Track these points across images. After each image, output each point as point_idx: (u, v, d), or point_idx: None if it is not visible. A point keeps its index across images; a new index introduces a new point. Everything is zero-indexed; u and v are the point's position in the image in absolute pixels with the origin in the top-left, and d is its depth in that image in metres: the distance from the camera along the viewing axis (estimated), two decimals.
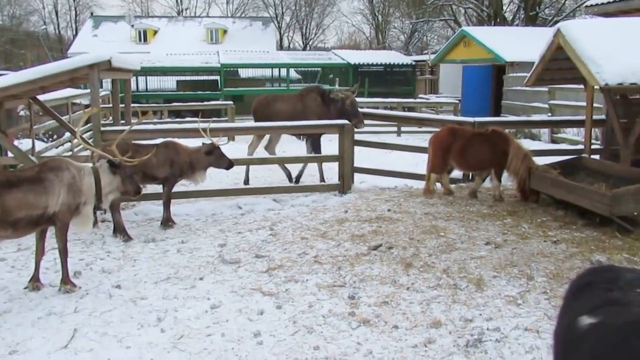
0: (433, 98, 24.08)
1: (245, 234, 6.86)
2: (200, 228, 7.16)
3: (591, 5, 9.94)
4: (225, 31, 40.78)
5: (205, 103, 19.72)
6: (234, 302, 4.86)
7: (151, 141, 7.74)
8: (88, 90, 8.50)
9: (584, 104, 9.16)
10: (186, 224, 7.34)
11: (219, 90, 26.56)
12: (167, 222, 7.22)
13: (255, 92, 27.31)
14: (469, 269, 5.49)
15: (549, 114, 15.47)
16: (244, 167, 10.04)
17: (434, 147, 8.48)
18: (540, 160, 8.27)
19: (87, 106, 12.75)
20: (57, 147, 11.67)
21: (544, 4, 36.52)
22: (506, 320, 4.43)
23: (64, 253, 5.21)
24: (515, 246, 6.17)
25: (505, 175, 8.31)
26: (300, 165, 10.26)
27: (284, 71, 29.15)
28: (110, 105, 11.61)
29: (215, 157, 7.31)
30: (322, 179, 9.97)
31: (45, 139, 12.57)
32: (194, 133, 7.92)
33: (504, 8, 37.90)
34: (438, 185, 8.83)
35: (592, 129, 9.27)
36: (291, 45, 59.17)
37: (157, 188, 7.60)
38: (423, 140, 14.40)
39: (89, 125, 9.68)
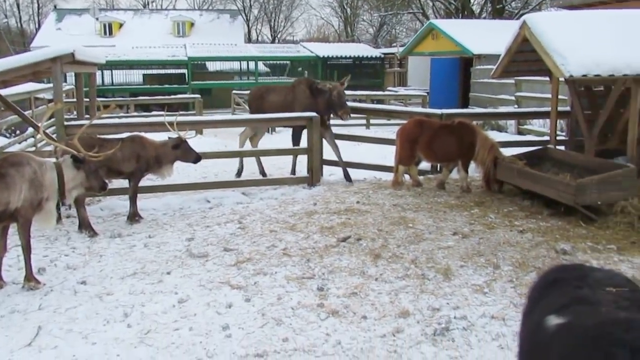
0: (402, 90, 24.22)
1: (214, 227, 6.80)
2: (167, 222, 7.07)
3: None
4: (192, 24, 40.26)
5: (173, 97, 19.46)
6: (202, 296, 4.81)
7: (117, 135, 7.59)
8: (51, 85, 8.27)
9: (550, 96, 9.31)
10: (153, 219, 7.24)
11: (186, 84, 26.29)
12: (133, 217, 7.11)
13: (224, 86, 27.20)
14: (437, 259, 5.54)
15: (516, 106, 15.70)
16: (216, 160, 9.93)
17: (402, 139, 8.53)
18: (507, 152, 8.39)
19: (50, 101, 12.46)
20: (20, 143, 11.39)
21: None
22: (473, 308, 4.48)
23: (27, 250, 5.08)
24: (482, 236, 6.24)
25: (472, 166, 8.40)
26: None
27: (252, 64, 28.98)
28: (75, 99, 11.36)
29: (182, 151, 7.21)
30: (293, 171, 9.94)
31: (7, 135, 12.26)
32: (160, 127, 7.80)
33: (471, 1, 38.27)
34: (407, 177, 8.88)
35: (558, 121, 9.43)
36: (260, 39, 58.79)
37: (123, 183, 7.48)
38: (392, 133, 14.46)
39: (52, 120, 9.44)
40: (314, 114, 9.01)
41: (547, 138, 9.93)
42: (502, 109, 14.59)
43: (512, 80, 16.17)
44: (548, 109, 9.28)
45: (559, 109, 8.96)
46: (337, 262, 5.53)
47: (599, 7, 8.94)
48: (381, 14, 46.76)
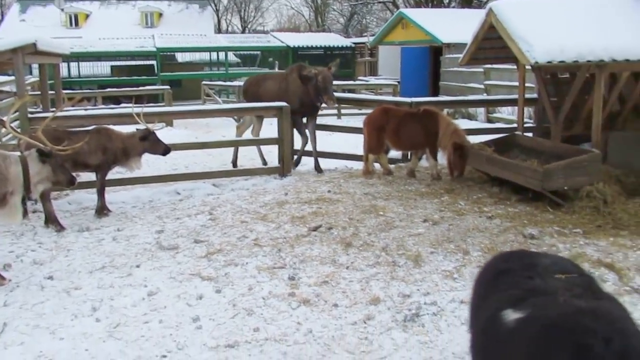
0: (372, 80, 24.26)
1: (184, 219, 6.74)
2: (136, 215, 6.98)
3: None
4: (160, 14, 39.63)
5: (141, 88, 19.15)
6: (172, 288, 4.77)
7: (83, 128, 7.44)
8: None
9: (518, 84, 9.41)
10: (122, 212, 7.13)
11: (155, 75, 25.89)
12: (101, 210, 6.99)
13: (194, 77, 26.89)
14: (407, 246, 5.59)
15: (485, 94, 15.87)
16: (186, 152, 9.80)
17: (369, 127, 8.56)
18: (476, 139, 8.46)
19: (16, 93, 12.14)
20: None
21: None
22: (443, 294, 4.54)
23: None
24: (452, 222, 6.31)
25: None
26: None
27: (222, 55, 28.67)
28: (40, 92, 11.11)
29: (150, 143, 7.10)
30: (263, 161, 9.88)
31: None
32: (128, 118, 7.67)
33: None
34: (378, 165, 8.92)
35: (526, 108, 9.55)
36: (230, 29, 58.18)
37: (91, 176, 7.35)
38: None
39: (17, 113, 9.22)
40: (284, 104, 8.96)
41: (515, 125, 10.05)
42: (471, 97, 14.73)
43: (481, 69, 16.34)
44: (516, 96, 9.39)
45: (526, 96, 9.07)
46: (309, 251, 5.53)
47: None
48: (351, 3, 46.70)
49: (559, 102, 8.09)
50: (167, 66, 27.48)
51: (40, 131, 5.55)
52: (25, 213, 5.87)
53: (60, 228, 6.41)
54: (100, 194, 7.01)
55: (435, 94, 20.90)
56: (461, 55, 8.72)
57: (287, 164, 8.98)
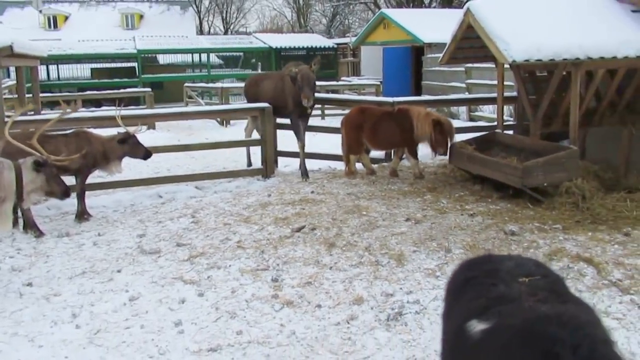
0: (355, 80, 24.32)
1: (166, 223, 6.69)
2: (118, 219, 6.92)
3: None
4: (141, 16, 39.33)
5: (122, 91, 19.01)
6: (154, 293, 4.73)
7: (61, 131, 7.35)
8: None
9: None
10: (103, 216, 7.07)
11: (136, 78, 25.71)
12: (82, 215, 6.92)
13: (175, 79, 26.74)
14: (390, 245, 5.60)
15: (466, 93, 15.97)
16: (168, 154, 9.70)
17: (346, 127, 8.60)
18: (458, 137, 8.50)
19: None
20: None
21: None
22: (425, 292, 4.56)
23: None
24: (434, 221, 6.34)
25: (424, 151, 8.52)
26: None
27: (204, 56, 28.56)
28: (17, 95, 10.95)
29: (130, 146, 7.03)
30: (249, 163, 9.82)
31: None
32: (108, 121, 7.61)
33: None
34: (360, 165, 8.94)
35: (507, 106, 9.60)
36: (212, 30, 57.87)
37: (71, 180, 7.26)
38: None
39: None
40: (266, 105, 8.93)
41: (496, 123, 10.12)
42: (453, 96, 14.82)
43: (462, 68, 16.45)
44: (496, 95, 9.45)
45: (506, 94, 9.14)
46: (292, 252, 5.53)
47: None
48: (333, 4, 46.77)
49: (538, 100, 8.16)
50: (149, 68, 27.30)
51: (34, 139, 5.47)
52: (15, 221, 5.77)
53: (39, 233, 6.33)
54: (81, 198, 6.94)
55: (418, 93, 21.01)
56: (443, 54, 8.76)
57: (270, 165, 8.96)
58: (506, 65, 7.62)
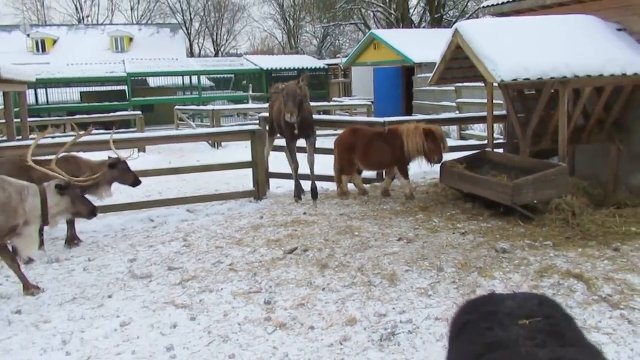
0: (346, 100, 24.47)
1: (158, 246, 6.66)
2: (108, 244, 6.88)
3: (488, 6, 10.39)
4: (131, 39, 39.48)
5: (112, 114, 19.02)
6: (145, 318, 4.69)
7: (50, 156, 7.32)
8: None
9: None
10: (93, 241, 7.03)
11: (126, 101, 25.75)
12: (72, 240, 6.88)
13: (166, 102, 26.80)
14: (383, 265, 5.60)
15: (457, 112, 16.10)
16: (159, 177, 9.67)
17: (339, 148, 8.64)
18: (449, 156, 8.55)
19: None
20: None
21: (448, 6, 38.01)
22: (418, 311, 4.55)
23: (12, 267, 5.24)
24: (426, 240, 6.36)
25: (415, 172, 8.55)
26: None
27: (195, 79, 28.68)
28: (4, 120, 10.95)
29: (119, 172, 6.97)
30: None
31: None
32: (97, 145, 7.60)
33: (411, 11, 39.11)
34: (352, 186, 8.96)
35: (497, 124, 9.66)
36: (202, 52, 58.25)
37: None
38: None
39: None
40: (256, 127, 8.96)
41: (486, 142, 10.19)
42: (444, 115, 14.94)
43: (452, 87, 16.60)
44: (485, 113, 9.54)
45: (496, 113, 9.23)
46: (284, 274, 5.51)
47: (527, 13, 9.26)
48: (324, 25, 47.19)
49: (527, 118, 8.25)
50: (139, 91, 27.38)
51: (53, 163, 5.51)
52: (41, 243, 5.77)
53: (28, 260, 6.27)
54: (70, 223, 6.90)
55: (409, 112, 21.15)
56: (432, 74, 8.84)
57: (262, 187, 8.97)
58: (495, 84, 7.71)
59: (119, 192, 8.03)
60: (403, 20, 36.39)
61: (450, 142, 13.53)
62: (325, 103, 23.77)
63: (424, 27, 37.09)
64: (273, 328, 4.40)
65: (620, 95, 7.79)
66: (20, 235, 5.05)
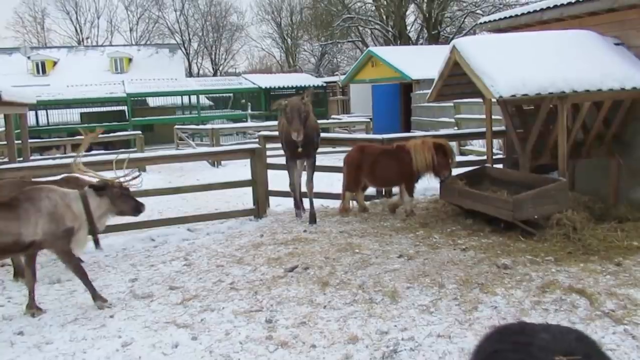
0: (345, 118, 24.58)
1: (159, 266, 6.65)
2: (109, 264, 6.87)
3: (485, 22, 10.48)
4: (130, 60, 39.76)
5: (112, 134, 19.09)
6: (147, 338, 4.67)
7: (52, 178, 7.35)
8: None
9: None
10: (95, 261, 7.01)
11: (126, 121, 25.85)
12: None
13: (165, 121, 26.88)
14: (384, 282, 5.59)
15: (456, 128, 16.15)
16: (160, 197, 9.65)
17: (347, 166, 8.68)
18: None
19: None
20: None
21: (445, 23, 38.37)
22: (420, 329, 4.53)
23: (80, 277, 5.40)
24: (427, 256, 6.35)
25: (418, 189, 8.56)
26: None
27: (194, 98, 28.83)
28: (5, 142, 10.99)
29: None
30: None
31: None
32: (99, 166, 7.60)
33: (408, 28, 39.49)
34: (354, 203, 8.97)
35: (497, 140, 9.68)
36: (201, 72, 58.62)
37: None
38: (338, 160, 14.62)
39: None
40: (256, 145, 9.00)
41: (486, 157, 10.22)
42: (443, 132, 15.00)
43: (451, 104, 16.67)
44: (485, 129, 9.59)
45: (495, 128, 9.27)
46: (285, 292, 5.49)
47: (524, 29, 9.34)
48: (322, 43, 47.58)
49: (526, 133, 8.28)
50: (139, 111, 27.48)
51: (78, 165, 5.80)
52: (97, 243, 5.88)
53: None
54: None
55: (408, 129, 21.22)
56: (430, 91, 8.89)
57: (262, 205, 8.97)
58: (493, 100, 7.75)
59: None
60: (400, 38, 36.71)
61: None
62: (325, 120, 23.85)
63: (421, 44, 37.42)
64: (275, 347, 4.38)
65: (619, 109, 7.83)
66: (72, 240, 5.29)
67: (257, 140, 10.53)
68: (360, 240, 7.18)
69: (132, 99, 26.88)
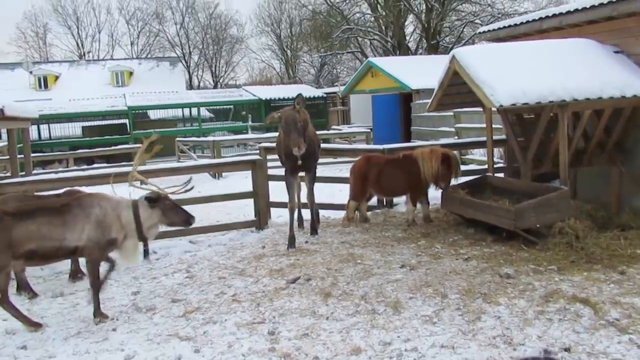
0: (345, 128, 24.61)
1: (161, 278, 6.65)
2: (112, 277, 6.80)
3: (484, 32, 10.52)
4: (131, 73, 39.95)
5: (114, 147, 19.15)
6: (149, 351, 4.66)
7: (54, 191, 7.37)
8: None
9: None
10: None
11: (128, 134, 25.93)
12: (75, 274, 6.86)
13: (167, 134, 26.93)
14: (386, 292, 5.57)
15: (456, 137, 16.17)
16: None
17: (354, 176, 8.71)
18: (451, 181, 8.53)
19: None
20: None
21: (444, 32, 38.50)
22: (423, 339, 4.51)
23: (92, 287, 5.37)
24: (429, 266, 6.33)
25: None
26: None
27: (195, 110, 28.93)
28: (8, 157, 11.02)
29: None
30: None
31: None
32: (100, 180, 7.64)
33: (407, 38, 39.61)
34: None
35: (497, 148, 9.67)
36: (201, 84, 58.82)
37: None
38: (339, 171, 14.65)
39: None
40: (257, 157, 9.01)
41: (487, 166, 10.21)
42: (443, 141, 15.00)
43: (451, 113, 16.69)
44: (485, 138, 9.59)
45: (495, 137, 9.28)
46: (288, 304, 5.48)
47: (523, 38, 9.37)
48: (321, 54, 47.74)
49: (527, 142, 8.28)
50: (140, 124, 27.59)
51: (135, 174, 5.88)
52: (147, 253, 5.99)
53: (32, 295, 6.25)
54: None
55: (408, 139, 21.24)
56: (431, 100, 8.90)
57: (264, 216, 8.97)
58: (494, 109, 7.76)
59: None
60: (400, 48, 36.82)
61: None
62: (325, 131, 23.89)
63: (420, 53, 37.53)
64: (278, 359, 4.37)
65: (620, 117, 7.84)
66: (122, 248, 5.45)
67: (257, 151, 10.54)
68: (362, 250, 7.17)
69: (134, 112, 26.99)
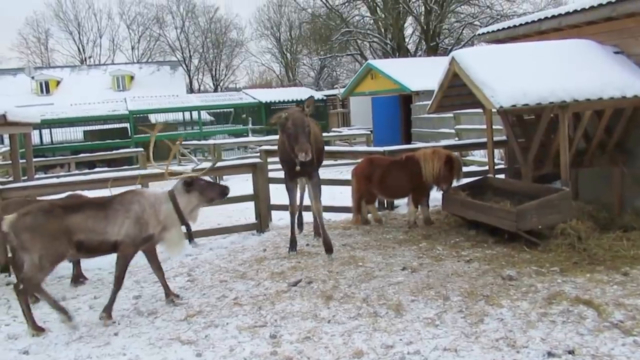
0: (346, 131, 24.60)
1: None
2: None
3: (483, 34, 10.52)
4: (132, 77, 40.03)
5: (115, 152, 19.15)
6: (151, 355, 4.65)
7: (57, 195, 7.37)
8: None
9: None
10: (99, 279, 7.01)
11: (129, 138, 25.96)
12: (77, 278, 6.86)
13: (168, 137, 26.96)
14: (388, 295, 5.56)
15: (456, 139, 16.15)
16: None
17: (357, 178, 8.70)
18: (452, 183, 8.52)
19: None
20: None
21: (443, 34, 38.49)
22: (425, 342, 4.49)
23: (116, 283, 5.50)
24: (431, 269, 6.32)
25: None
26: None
27: (195, 114, 28.97)
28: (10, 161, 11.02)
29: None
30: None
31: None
32: (100, 184, 7.63)
33: (406, 40, 39.60)
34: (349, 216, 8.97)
35: (498, 150, 9.66)
36: (202, 88, 58.89)
37: None
38: (339, 173, 14.66)
39: None
40: (257, 160, 9.00)
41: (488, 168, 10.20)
42: (443, 143, 14.99)
43: (451, 114, 16.68)
44: (485, 140, 9.58)
45: (496, 138, 9.26)
46: (289, 307, 5.47)
47: (522, 40, 9.36)
48: (321, 57, 47.76)
49: (527, 143, 8.27)
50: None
51: (167, 171, 6.00)
52: (190, 238, 6.26)
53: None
54: (76, 262, 6.88)
55: (408, 141, 21.22)
56: (430, 102, 8.89)
57: (265, 219, 8.96)
58: (494, 110, 7.75)
59: None
60: (399, 50, 36.81)
61: None
62: (325, 134, 23.89)
63: (419, 55, 37.49)
64: None
65: (620, 117, 7.83)
66: (163, 240, 5.61)
67: (258, 154, 10.53)
68: (364, 253, 7.16)
69: (134, 116, 27.01)
